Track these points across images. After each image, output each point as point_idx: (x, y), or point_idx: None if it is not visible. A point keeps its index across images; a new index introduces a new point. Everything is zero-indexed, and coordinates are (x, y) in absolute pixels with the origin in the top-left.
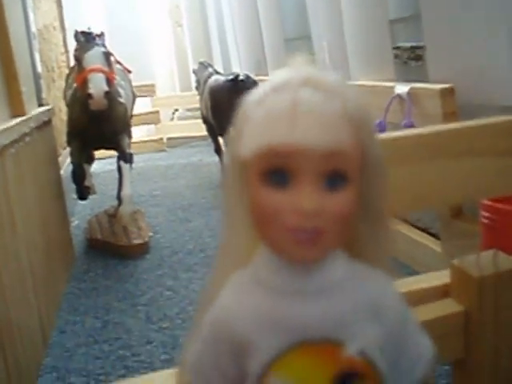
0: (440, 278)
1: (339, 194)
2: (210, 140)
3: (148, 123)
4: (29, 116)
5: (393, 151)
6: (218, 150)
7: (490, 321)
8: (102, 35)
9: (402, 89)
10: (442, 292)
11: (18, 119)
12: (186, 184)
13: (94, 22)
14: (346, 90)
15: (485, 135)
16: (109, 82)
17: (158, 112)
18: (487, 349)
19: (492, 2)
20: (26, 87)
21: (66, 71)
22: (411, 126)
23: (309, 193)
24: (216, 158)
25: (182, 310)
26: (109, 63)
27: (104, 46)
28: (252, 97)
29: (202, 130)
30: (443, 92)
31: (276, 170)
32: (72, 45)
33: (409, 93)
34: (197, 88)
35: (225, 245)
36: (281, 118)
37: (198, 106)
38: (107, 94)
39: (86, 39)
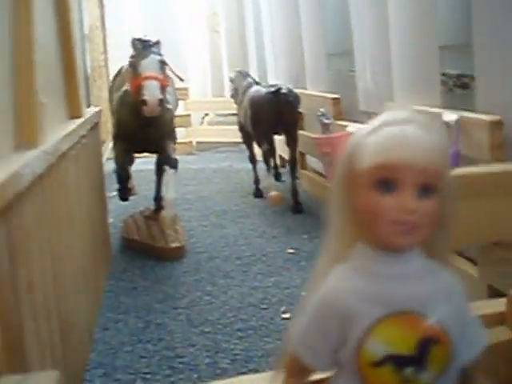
0: (496, 305)
1: (429, 200)
2: (238, 146)
3: (180, 126)
4: (85, 118)
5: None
6: (252, 159)
7: None
8: (158, 43)
9: (449, 117)
10: (497, 320)
11: (77, 122)
12: (218, 189)
13: (132, 24)
14: (436, 127)
15: None
16: (162, 89)
17: (189, 115)
18: None
19: None
20: (82, 89)
21: (105, 70)
22: (458, 154)
23: (410, 197)
24: (246, 165)
25: (222, 316)
26: (163, 71)
27: (160, 54)
28: (362, 131)
29: (232, 136)
30: (492, 124)
31: (385, 179)
32: (111, 44)
33: (457, 121)
34: (232, 96)
35: (329, 243)
36: (390, 143)
37: (229, 111)
38: (161, 101)
39: (143, 46)
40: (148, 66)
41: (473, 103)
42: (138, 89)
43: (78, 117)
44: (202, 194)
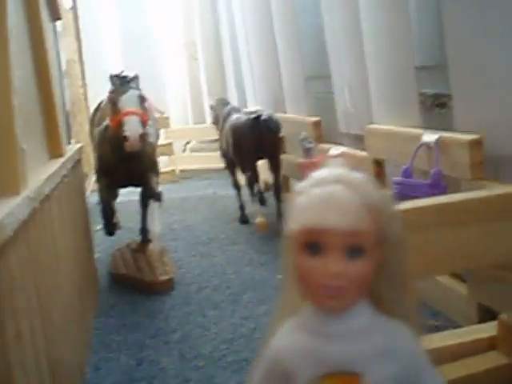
0: (486, 330)
1: (358, 261)
2: (222, 173)
3: (162, 155)
4: (66, 157)
5: (442, 214)
6: (235, 185)
7: None
8: (136, 78)
9: (429, 137)
10: (488, 345)
11: (59, 162)
12: (203, 217)
13: (111, 54)
14: (368, 186)
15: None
16: (143, 124)
17: (171, 144)
18: None
19: None
20: (62, 128)
21: (84, 104)
22: (439, 174)
23: (334, 260)
24: (230, 191)
25: (215, 348)
26: (143, 106)
27: (138, 88)
28: (299, 188)
29: (214, 163)
30: (472, 143)
31: (312, 243)
32: (90, 78)
33: (437, 142)
34: (214, 123)
35: (282, 298)
36: (316, 206)
37: (210, 138)
38: (141, 136)
39: (121, 82)
40: (127, 101)
41: (451, 122)
42: (119, 124)
43: (60, 156)
44: (188, 222)
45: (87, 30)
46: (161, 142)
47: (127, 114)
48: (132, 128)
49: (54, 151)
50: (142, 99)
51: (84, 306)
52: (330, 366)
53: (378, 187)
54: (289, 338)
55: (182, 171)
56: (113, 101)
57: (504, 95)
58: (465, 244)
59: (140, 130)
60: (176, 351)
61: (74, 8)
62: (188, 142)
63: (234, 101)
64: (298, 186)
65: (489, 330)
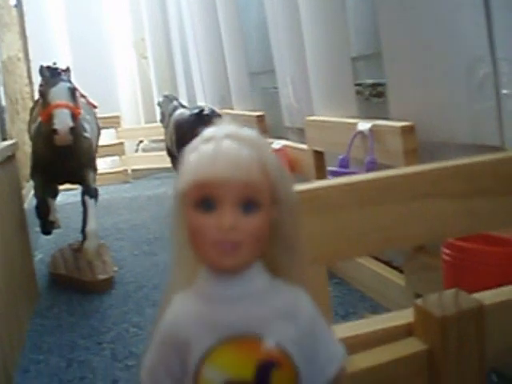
0: (404, 316)
1: (252, 216)
2: (174, 172)
3: (113, 155)
4: None
5: (359, 193)
6: None
7: (453, 359)
8: (67, 70)
9: (364, 126)
10: (406, 331)
11: None
12: (151, 216)
13: (59, 53)
14: (260, 142)
15: (445, 177)
16: (74, 117)
17: (122, 143)
18: None
19: (451, 42)
20: None
21: (31, 103)
22: (374, 162)
23: (227, 214)
24: None
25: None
26: (74, 98)
27: (69, 81)
28: (189, 146)
29: (167, 162)
30: (404, 129)
31: (204, 198)
32: (37, 76)
33: (371, 130)
34: (161, 121)
35: (174, 268)
36: (206, 160)
37: (162, 137)
38: (72, 129)
39: (52, 74)
40: (57, 94)
41: (388, 111)
42: (49, 118)
43: None
44: (135, 222)
45: (34, 28)
46: (112, 141)
47: (57, 106)
48: (62, 121)
49: None
50: (73, 92)
51: (16, 308)
52: (227, 331)
53: (268, 145)
54: (183, 307)
55: (134, 171)
56: (42, 94)
57: (434, 81)
58: (380, 224)
59: (70, 123)
60: (108, 351)
61: (19, 5)
62: (141, 142)
63: (183, 98)
64: (188, 145)
65: (405, 316)
